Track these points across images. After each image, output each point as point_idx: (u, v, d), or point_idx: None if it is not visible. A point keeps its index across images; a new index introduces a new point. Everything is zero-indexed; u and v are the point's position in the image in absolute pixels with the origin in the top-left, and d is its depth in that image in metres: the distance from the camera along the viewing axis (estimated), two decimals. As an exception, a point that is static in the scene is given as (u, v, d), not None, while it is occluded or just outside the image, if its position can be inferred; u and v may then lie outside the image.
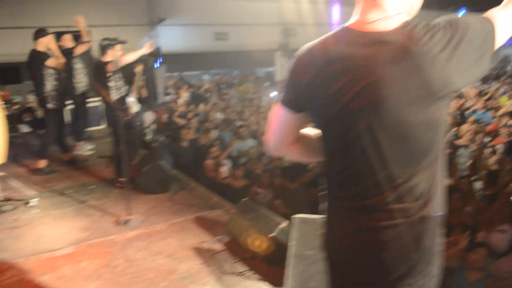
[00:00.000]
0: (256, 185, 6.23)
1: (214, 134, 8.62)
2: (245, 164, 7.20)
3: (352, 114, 1.34)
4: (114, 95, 5.15)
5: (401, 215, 1.38)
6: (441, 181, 1.44)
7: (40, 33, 5.79)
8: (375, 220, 1.41)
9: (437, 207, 1.43)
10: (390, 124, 1.31)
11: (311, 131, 1.61)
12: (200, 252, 3.79)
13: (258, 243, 3.55)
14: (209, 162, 6.93)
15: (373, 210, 1.41)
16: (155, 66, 12.90)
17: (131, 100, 5.42)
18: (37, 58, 5.70)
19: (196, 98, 12.24)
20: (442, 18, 1.34)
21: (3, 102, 9.59)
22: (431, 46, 1.26)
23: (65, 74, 6.86)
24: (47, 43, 5.74)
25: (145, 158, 5.72)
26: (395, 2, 1.35)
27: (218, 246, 3.89)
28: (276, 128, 1.60)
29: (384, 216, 1.40)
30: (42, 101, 5.87)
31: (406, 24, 1.31)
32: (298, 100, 1.48)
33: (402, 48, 1.28)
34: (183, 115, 9.76)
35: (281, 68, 15.82)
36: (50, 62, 5.70)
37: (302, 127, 1.61)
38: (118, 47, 4.85)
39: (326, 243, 1.61)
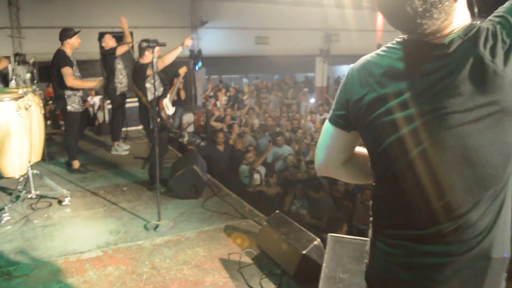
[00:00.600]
0: (290, 194, 6.07)
1: (250, 139, 8.51)
2: (280, 171, 7.04)
3: (409, 134, 1.18)
4: (149, 96, 5.11)
5: (459, 251, 1.20)
6: (509, 216, 1.23)
7: (66, 32, 5.62)
8: (427, 255, 1.24)
9: (502, 246, 1.22)
10: (452, 146, 1.14)
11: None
12: (228, 264, 3.65)
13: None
14: (243, 168, 6.81)
15: (425, 242, 1.23)
16: (196, 68, 12.98)
17: (166, 101, 5.36)
18: (59, 61, 5.53)
19: (234, 102, 12.20)
20: (495, 17, 1.16)
21: (48, 99, 9.86)
22: (494, 57, 1.09)
23: (106, 73, 6.96)
24: (72, 44, 5.62)
25: (179, 162, 5.65)
26: (459, 8, 1.17)
27: (246, 259, 3.74)
28: (326, 146, 1.45)
29: (438, 251, 1.22)
30: (61, 103, 5.70)
31: (467, 30, 1.14)
32: (349, 117, 1.33)
33: (463, 61, 1.11)
34: (220, 119, 9.71)
35: (321, 74, 15.58)
36: (65, 70, 5.46)
37: (355, 146, 1.46)
38: (157, 49, 4.78)
39: (369, 274, 1.44)
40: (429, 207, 1.21)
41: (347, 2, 14.35)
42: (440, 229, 1.21)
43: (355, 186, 6.58)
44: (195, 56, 13.24)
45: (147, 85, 5.28)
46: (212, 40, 13.45)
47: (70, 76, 5.48)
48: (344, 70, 20.96)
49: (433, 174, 1.18)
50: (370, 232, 1.43)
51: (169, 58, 5.17)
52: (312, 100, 12.93)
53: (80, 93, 5.80)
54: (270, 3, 13.74)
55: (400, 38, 1.26)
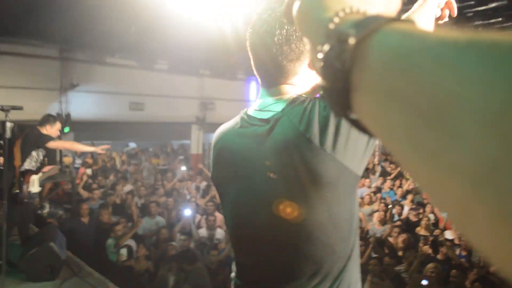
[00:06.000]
0: (164, 270, 5.68)
1: (118, 208, 7.98)
2: (153, 245, 6.63)
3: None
4: (26, 165, 4.84)
5: None
6: None
7: None
8: None
9: None
10: None
11: None
12: None
13: None
14: (109, 242, 6.27)
15: None
16: (64, 132, 12.14)
17: (35, 178, 4.90)
18: None
19: (105, 170, 11.56)
20: None
21: None
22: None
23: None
24: None
25: (33, 238, 5.00)
26: (295, 82, 1.17)
27: None
28: None
29: None
30: None
31: (292, 102, 1.13)
32: None
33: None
34: (87, 187, 9.03)
35: (197, 141, 15.66)
36: None
37: None
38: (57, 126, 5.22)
39: None
40: None
41: (222, 73, 14.96)
42: None
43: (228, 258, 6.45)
44: (63, 120, 12.41)
45: (33, 153, 5.11)
46: (83, 104, 12.80)
47: None
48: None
49: None
50: None
51: (75, 147, 5.79)
52: (184, 168, 12.81)
53: None
54: (146, 70, 13.68)
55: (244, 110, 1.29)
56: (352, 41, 0.35)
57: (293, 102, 1.12)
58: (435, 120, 0.26)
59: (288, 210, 1.08)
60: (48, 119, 5.27)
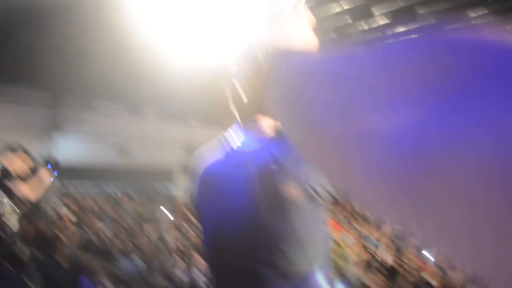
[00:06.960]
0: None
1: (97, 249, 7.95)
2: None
3: None
4: None
5: None
6: None
7: None
8: None
9: None
10: None
11: None
12: None
13: None
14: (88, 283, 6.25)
15: None
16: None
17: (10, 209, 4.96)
18: None
19: (89, 214, 11.50)
20: None
21: None
22: None
23: None
24: None
25: (8, 279, 4.98)
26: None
27: None
28: None
29: None
30: None
31: (269, 134, 1.30)
32: None
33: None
34: (66, 229, 8.99)
35: (182, 186, 15.65)
36: None
37: None
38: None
39: None
40: None
41: (208, 120, 15.20)
42: None
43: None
44: (51, 164, 12.37)
45: None
46: (70, 149, 12.85)
47: None
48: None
49: None
50: None
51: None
52: (166, 211, 12.77)
53: None
54: (133, 116, 13.86)
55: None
56: None
57: (269, 133, 1.29)
58: None
59: (257, 223, 1.23)
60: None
